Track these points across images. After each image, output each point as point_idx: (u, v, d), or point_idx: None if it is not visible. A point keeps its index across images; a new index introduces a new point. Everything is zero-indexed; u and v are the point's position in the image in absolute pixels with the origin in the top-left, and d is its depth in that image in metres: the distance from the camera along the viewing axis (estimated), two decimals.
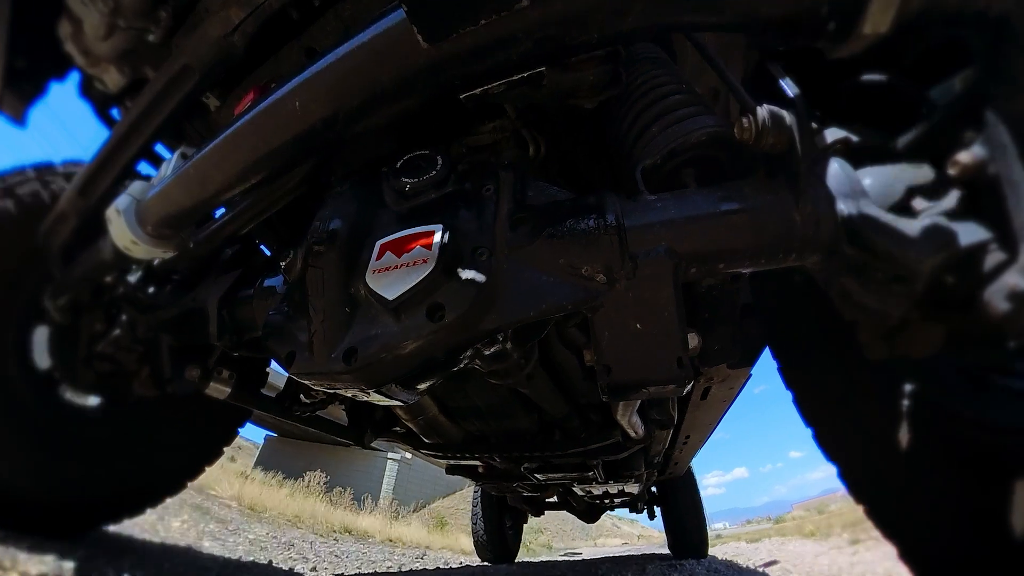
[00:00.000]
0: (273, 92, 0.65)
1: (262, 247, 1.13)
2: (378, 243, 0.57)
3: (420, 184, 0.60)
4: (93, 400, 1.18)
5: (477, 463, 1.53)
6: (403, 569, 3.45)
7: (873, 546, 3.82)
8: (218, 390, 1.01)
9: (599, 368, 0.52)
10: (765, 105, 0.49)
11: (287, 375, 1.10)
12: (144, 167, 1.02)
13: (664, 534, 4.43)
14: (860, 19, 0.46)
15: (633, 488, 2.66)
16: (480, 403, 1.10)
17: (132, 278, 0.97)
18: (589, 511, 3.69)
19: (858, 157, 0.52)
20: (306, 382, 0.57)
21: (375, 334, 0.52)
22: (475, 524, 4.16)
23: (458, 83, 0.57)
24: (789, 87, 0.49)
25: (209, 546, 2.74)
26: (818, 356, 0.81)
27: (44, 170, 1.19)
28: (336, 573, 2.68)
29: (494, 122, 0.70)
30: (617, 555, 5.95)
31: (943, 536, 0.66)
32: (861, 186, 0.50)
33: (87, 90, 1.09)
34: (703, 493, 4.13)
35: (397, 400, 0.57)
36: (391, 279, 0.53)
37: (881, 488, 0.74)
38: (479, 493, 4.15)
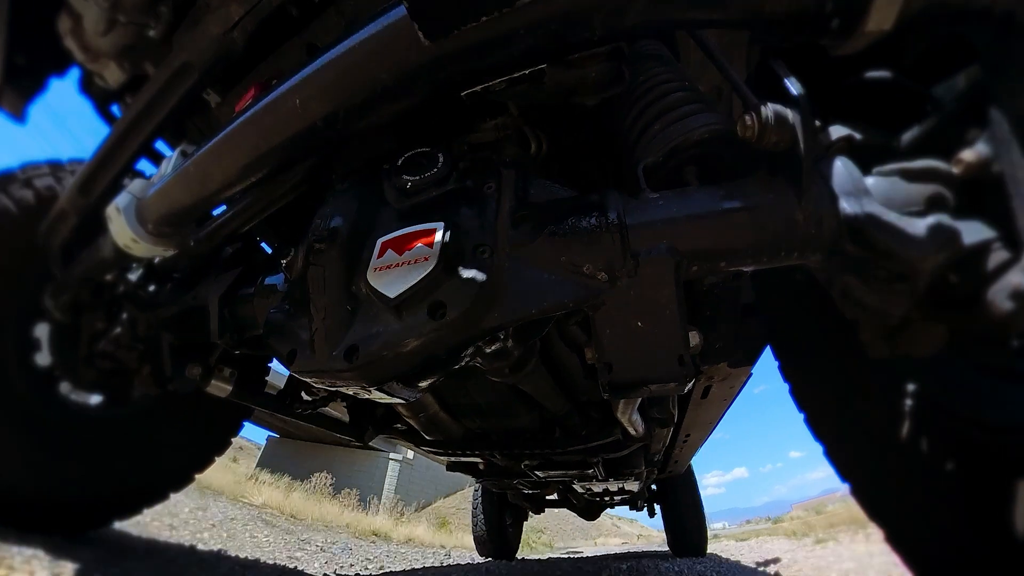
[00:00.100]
0: (273, 89, 0.65)
1: (263, 245, 1.13)
2: (379, 241, 0.57)
3: (421, 182, 0.60)
4: (94, 398, 1.18)
5: (478, 460, 1.53)
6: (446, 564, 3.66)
7: (832, 546, 4.38)
8: (219, 388, 1.01)
9: (600, 366, 0.51)
10: (768, 103, 0.49)
11: (286, 376, 1.11)
12: (145, 165, 1.02)
13: (663, 533, 4.44)
14: (864, 16, 0.46)
15: (633, 486, 2.67)
16: (481, 400, 1.10)
17: (133, 276, 0.97)
18: (589, 508, 3.70)
19: (861, 155, 0.52)
20: (307, 380, 0.57)
21: (376, 332, 0.52)
22: (476, 521, 4.18)
23: (459, 80, 0.57)
24: (792, 85, 0.49)
25: (304, 557, 2.95)
26: (819, 355, 0.81)
27: (56, 167, 1.21)
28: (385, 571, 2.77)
29: (496, 119, 0.70)
30: (617, 553, 6.06)
31: (943, 536, 0.66)
32: (864, 184, 0.50)
33: (87, 86, 1.09)
34: (703, 493, 4.14)
35: (398, 398, 0.57)
36: (392, 277, 0.53)
37: (881, 488, 0.74)
38: (480, 490, 4.16)
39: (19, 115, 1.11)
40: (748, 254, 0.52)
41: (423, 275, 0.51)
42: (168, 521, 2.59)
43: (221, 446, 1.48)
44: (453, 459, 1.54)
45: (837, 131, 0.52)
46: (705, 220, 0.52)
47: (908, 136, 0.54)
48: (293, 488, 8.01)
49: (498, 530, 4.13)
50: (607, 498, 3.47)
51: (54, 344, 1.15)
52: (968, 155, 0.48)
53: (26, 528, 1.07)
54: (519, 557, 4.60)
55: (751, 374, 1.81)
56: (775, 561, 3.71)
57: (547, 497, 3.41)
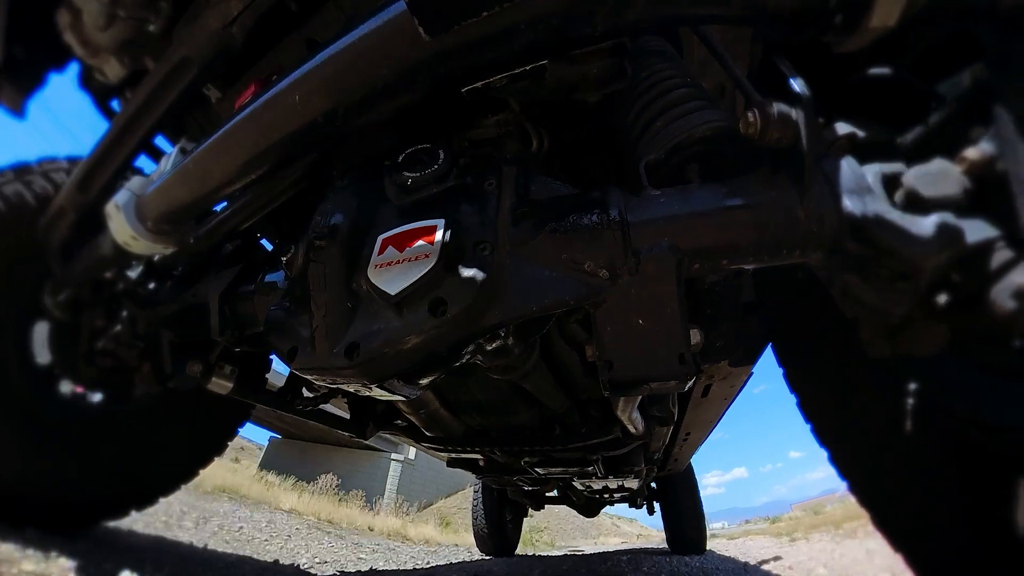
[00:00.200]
0: (273, 86, 0.64)
1: (263, 242, 1.12)
2: (380, 238, 0.56)
3: (422, 178, 0.60)
4: (95, 396, 1.19)
5: (478, 456, 1.53)
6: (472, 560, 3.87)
7: (803, 544, 4.96)
8: (220, 385, 1.01)
9: (601, 363, 0.51)
10: (771, 100, 0.48)
11: (286, 375, 1.11)
12: (144, 161, 1.01)
13: (663, 533, 4.46)
14: (868, 12, 0.46)
15: (633, 483, 2.67)
16: (481, 398, 1.10)
17: (132, 274, 0.97)
18: (588, 505, 3.71)
19: (864, 153, 0.51)
20: (308, 377, 0.57)
21: (377, 329, 0.52)
22: (476, 517, 4.19)
23: (460, 76, 0.57)
24: (796, 82, 0.48)
25: (368, 560, 3.16)
26: (820, 354, 0.81)
27: (74, 162, 1.23)
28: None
29: (497, 116, 0.69)
30: (618, 550, 6.16)
31: (943, 535, 0.66)
32: (866, 182, 0.49)
33: (87, 81, 1.09)
34: (703, 493, 4.15)
35: (399, 395, 0.57)
36: (393, 274, 0.52)
37: (881, 487, 0.74)
38: (480, 487, 4.18)
39: (18, 110, 1.11)
40: (750, 252, 0.52)
41: (424, 272, 0.51)
42: (224, 536, 2.67)
43: (221, 444, 1.48)
44: (453, 455, 1.54)
45: (840, 129, 0.52)
46: (707, 218, 0.51)
47: (912, 134, 0.53)
48: (302, 490, 8.11)
49: (498, 527, 4.15)
50: (607, 495, 3.48)
51: (54, 342, 1.15)
52: (972, 153, 0.48)
53: (24, 526, 1.07)
54: (534, 554, 4.73)
55: (752, 373, 1.82)
56: (775, 559, 3.78)
57: (547, 494, 3.43)
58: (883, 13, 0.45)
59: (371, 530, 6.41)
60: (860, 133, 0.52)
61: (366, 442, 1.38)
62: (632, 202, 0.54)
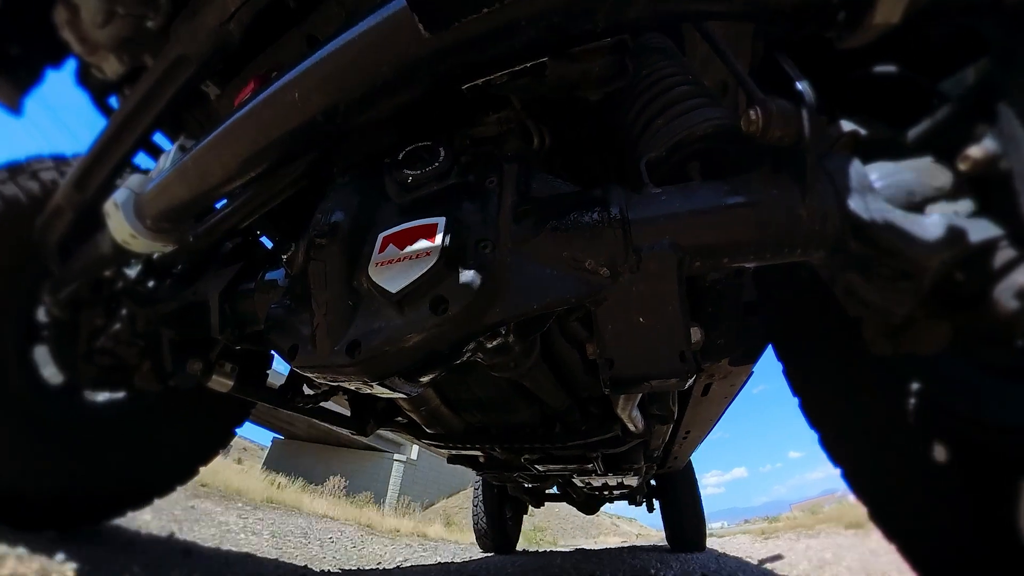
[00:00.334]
0: (273, 82, 0.64)
1: (263, 240, 1.12)
2: (381, 236, 0.56)
3: (423, 176, 0.59)
4: (94, 395, 1.18)
5: (478, 453, 1.54)
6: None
7: (774, 541, 5.34)
8: (220, 383, 1.01)
9: (601, 361, 0.51)
10: (773, 97, 0.48)
11: (285, 374, 1.11)
12: (143, 159, 1.01)
13: (662, 532, 4.47)
14: (871, 8, 0.45)
15: (632, 481, 2.68)
16: (482, 395, 1.10)
17: (131, 272, 0.97)
18: (588, 502, 3.72)
19: (867, 151, 0.51)
20: (309, 375, 0.56)
21: (378, 327, 0.52)
22: (476, 514, 4.21)
23: (460, 73, 0.56)
24: (798, 79, 0.48)
25: (416, 558, 3.29)
26: (821, 353, 0.81)
27: (61, 161, 1.22)
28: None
29: (498, 113, 0.69)
30: (618, 548, 6.25)
31: (944, 535, 0.66)
32: (869, 181, 0.49)
33: (84, 78, 1.08)
34: (702, 493, 4.16)
35: (400, 393, 0.57)
36: (394, 272, 0.52)
37: (881, 487, 0.74)
38: (480, 484, 4.19)
39: (14, 107, 1.10)
40: (751, 250, 0.51)
41: (425, 270, 0.50)
42: (275, 543, 2.74)
43: (222, 442, 1.48)
44: (454, 452, 1.55)
45: (843, 126, 0.52)
46: (708, 216, 0.51)
47: (915, 131, 0.53)
48: (309, 491, 8.16)
49: (498, 524, 4.16)
50: (606, 492, 3.48)
51: (53, 341, 1.14)
52: (975, 151, 0.48)
53: (24, 525, 1.07)
54: (547, 550, 4.82)
55: (752, 373, 1.82)
56: (778, 558, 3.81)
57: (547, 491, 3.43)
58: (886, 9, 0.45)
59: (399, 532, 6.50)
60: (863, 131, 0.52)
61: (368, 443, 1.39)
62: (633, 200, 0.54)
